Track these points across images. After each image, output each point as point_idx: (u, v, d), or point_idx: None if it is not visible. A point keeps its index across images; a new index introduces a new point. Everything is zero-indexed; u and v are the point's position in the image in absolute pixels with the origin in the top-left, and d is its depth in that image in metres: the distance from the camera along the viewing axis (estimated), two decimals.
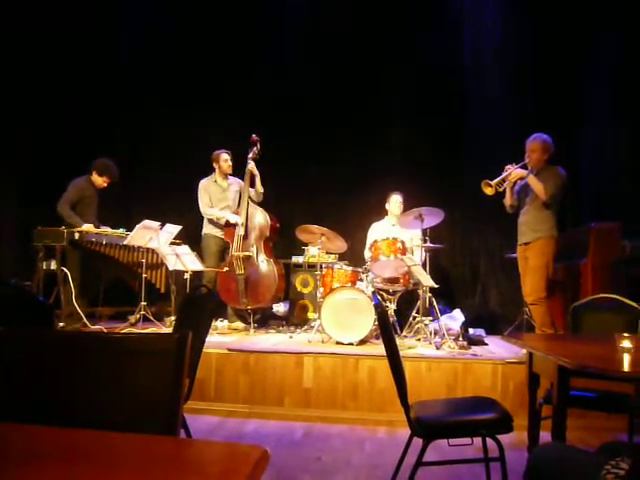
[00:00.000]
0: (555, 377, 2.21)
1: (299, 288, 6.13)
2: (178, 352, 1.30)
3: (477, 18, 6.71)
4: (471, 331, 5.34)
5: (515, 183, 4.62)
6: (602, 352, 2.25)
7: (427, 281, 4.80)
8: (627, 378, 2.23)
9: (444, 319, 5.18)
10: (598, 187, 6.15)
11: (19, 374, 1.34)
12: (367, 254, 5.55)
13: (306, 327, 5.46)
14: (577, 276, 5.01)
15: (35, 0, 6.54)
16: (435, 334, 4.89)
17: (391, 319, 4.99)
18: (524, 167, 4.49)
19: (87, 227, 5.40)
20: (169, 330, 4.96)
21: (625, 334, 2.11)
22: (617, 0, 6.13)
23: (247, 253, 5.52)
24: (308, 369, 4.23)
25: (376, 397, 4.11)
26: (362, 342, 4.78)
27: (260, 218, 5.65)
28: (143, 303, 5.28)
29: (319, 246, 5.49)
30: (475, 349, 4.58)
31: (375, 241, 5.26)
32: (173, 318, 5.42)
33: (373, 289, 5.24)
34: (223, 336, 5.19)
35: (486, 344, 4.88)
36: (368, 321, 4.72)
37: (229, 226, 5.64)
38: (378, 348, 4.38)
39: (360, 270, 5.33)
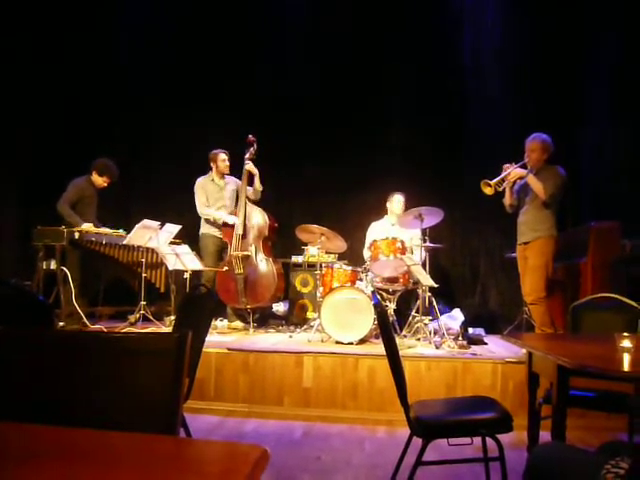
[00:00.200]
0: (555, 377, 2.21)
1: (299, 288, 6.14)
2: (178, 351, 1.30)
3: (477, 18, 6.71)
4: (471, 330, 5.34)
5: (515, 183, 4.62)
6: (602, 352, 2.25)
7: (427, 281, 4.80)
8: (627, 378, 2.23)
9: (444, 318, 5.18)
10: (598, 187, 6.16)
11: (19, 374, 1.34)
12: (366, 254, 5.55)
13: (306, 327, 5.46)
14: (577, 275, 5.01)
15: (35, 0, 6.54)
16: (435, 333, 4.90)
17: (391, 318, 5.00)
18: (523, 167, 4.49)
19: (87, 227, 5.40)
20: (169, 329, 4.96)
21: (625, 334, 2.11)
22: (617, 0, 6.13)
23: (246, 253, 5.52)
24: (308, 368, 4.23)
25: (376, 397, 4.11)
26: (362, 341, 4.78)
27: (258, 218, 5.65)
28: (143, 303, 5.28)
29: (319, 246, 5.49)
30: (475, 348, 4.58)
31: (374, 241, 5.26)
32: (173, 318, 5.41)
33: (373, 289, 5.24)
34: (223, 335, 5.19)
35: (486, 343, 4.89)
36: (368, 320, 4.72)
37: (227, 226, 5.64)
38: (378, 348, 4.37)
39: (360, 270, 5.34)
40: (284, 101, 6.67)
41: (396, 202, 5.77)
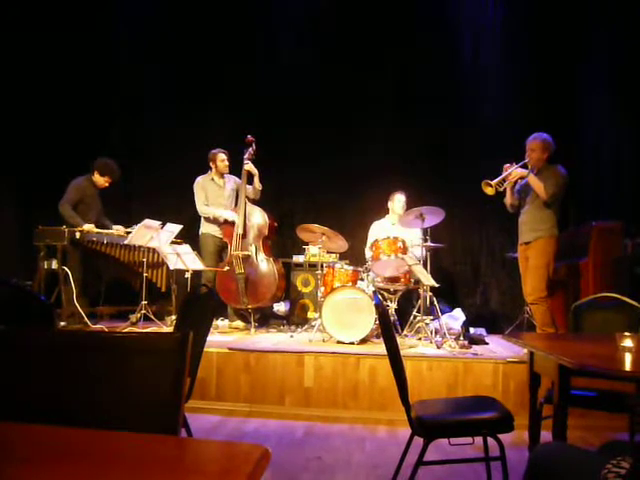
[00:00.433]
0: (556, 376, 2.21)
1: (300, 287, 6.14)
2: (179, 351, 1.30)
3: (477, 18, 6.71)
4: (472, 330, 5.35)
5: (516, 183, 4.61)
6: (603, 351, 2.24)
7: (428, 280, 4.80)
8: (628, 377, 2.23)
9: (445, 318, 5.18)
10: (599, 186, 6.16)
11: (20, 374, 1.34)
12: (368, 253, 5.55)
13: (307, 326, 5.46)
14: (578, 275, 5.00)
15: (35, 1, 6.55)
16: (436, 333, 4.89)
17: (392, 318, 4.99)
18: (524, 166, 4.48)
19: (88, 227, 5.41)
20: (170, 329, 4.96)
21: (626, 333, 2.11)
22: (617, 0, 6.13)
23: (246, 252, 5.52)
24: (309, 368, 4.23)
25: (377, 396, 4.11)
26: (363, 341, 4.78)
27: (258, 217, 5.65)
28: (144, 302, 5.28)
29: (320, 245, 5.49)
30: (476, 348, 4.58)
31: (376, 240, 5.26)
32: (174, 317, 5.42)
33: (374, 288, 5.24)
34: (224, 335, 5.20)
35: (487, 343, 4.88)
36: (369, 320, 4.72)
37: (227, 225, 5.64)
38: (379, 347, 4.38)
39: (361, 269, 5.33)
40: (284, 101, 6.67)
41: (397, 202, 5.77)
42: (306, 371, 4.23)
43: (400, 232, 5.50)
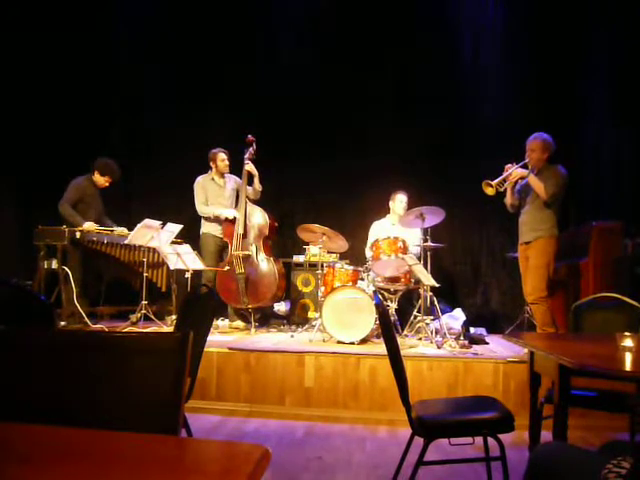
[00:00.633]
0: (556, 376, 2.21)
1: (300, 287, 6.14)
2: (179, 351, 1.30)
3: (477, 18, 6.71)
4: (472, 330, 5.35)
5: (516, 183, 4.60)
6: (603, 351, 2.24)
7: (428, 280, 4.80)
8: (628, 377, 2.23)
9: (445, 318, 5.18)
10: (599, 186, 6.16)
11: (21, 374, 1.34)
12: (368, 253, 5.55)
13: (307, 326, 5.46)
14: (578, 275, 5.00)
15: (35, 1, 6.55)
16: (436, 333, 4.89)
17: (392, 318, 4.99)
18: (524, 166, 4.48)
19: (88, 225, 5.41)
20: (170, 329, 4.96)
21: (626, 333, 2.11)
22: (617, 0, 6.13)
23: (246, 252, 5.52)
24: (309, 368, 4.23)
25: (377, 396, 4.11)
26: (363, 341, 4.78)
27: (259, 217, 5.65)
28: (144, 302, 5.28)
29: (320, 245, 5.49)
30: (476, 348, 4.58)
31: (376, 240, 5.26)
32: (174, 317, 5.42)
33: (374, 288, 5.24)
34: (224, 335, 5.20)
35: (487, 343, 4.88)
36: (369, 320, 4.72)
37: (227, 225, 5.64)
38: (379, 347, 4.38)
39: (361, 269, 5.33)
40: (284, 101, 6.67)
41: (399, 202, 5.76)
42: (306, 371, 4.23)
43: (400, 232, 5.50)
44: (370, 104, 6.67)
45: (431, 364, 4.16)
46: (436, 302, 5.04)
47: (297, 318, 6.03)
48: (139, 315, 5.30)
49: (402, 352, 2.36)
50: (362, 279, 5.34)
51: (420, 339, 4.87)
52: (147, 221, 5.24)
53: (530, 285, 4.42)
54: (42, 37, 6.56)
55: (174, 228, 5.45)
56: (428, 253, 5.21)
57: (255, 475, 0.85)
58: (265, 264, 5.55)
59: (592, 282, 4.81)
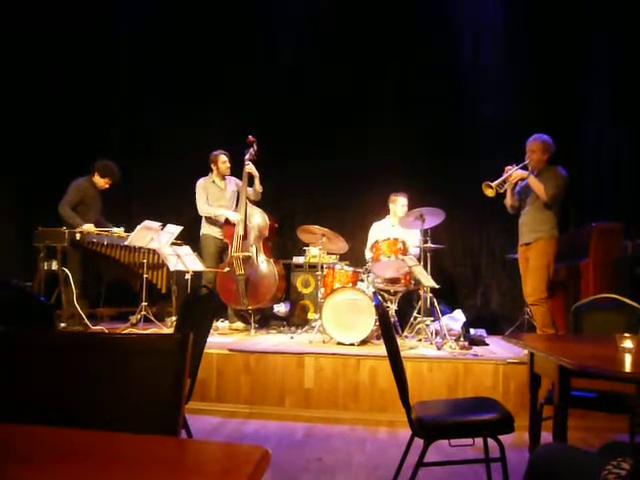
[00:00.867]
0: (556, 377, 2.21)
1: (300, 288, 6.13)
2: (179, 352, 1.30)
3: (477, 18, 6.71)
4: (472, 331, 5.35)
5: (516, 184, 4.60)
6: (603, 352, 2.24)
7: (428, 281, 4.80)
8: (628, 378, 2.23)
9: (445, 319, 5.18)
10: (599, 187, 6.16)
11: (21, 375, 1.34)
12: (368, 254, 5.55)
13: (307, 327, 5.46)
14: (578, 276, 5.00)
15: (35, 1, 6.55)
16: (436, 334, 4.89)
17: (392, 319, 4.99)
18: (524, 168, 4.48)
19: (88, 227, 5.40)
20: (170, 331, 4.97)
21: (626, 334, 2.11)
22: (617, 0, 6.14)
23: (247, 253, 5.52)
24: (309, 369, 4.23)
25: (377, 397, 4.11)
26: (363, 342, 4.78)
27: (259, 218, 5.65)
28: (144, 304, 5.28)
29: (320, 246, 5.49)
30: (476, 349, 4.58)
31: (376, 241, 5.26)
32: (174, 318, 5.42)
33: (374, 289, 5.24)
34: (224, 336, 5.20)
35: (487, 344, 4.88)
36: (369, 321, 4.72)
37: (228, 226, 5.64)
38: (379, 348, 4.38)
39: (361, 270, 5.33)
40: (284, 101, 6.67)
41: (400, 205, 5.74)
42: (306, 372, 4.23)
43: (400, 233, 5.49)
44: (370, 104, 6.68)
45: (431, 365, 4.16)
46: (436, 303, 5.04)
47: (297, 319, 6.03)
48: (139, 316, 5.30)
49: (402, 353, 2.36)
50: (362, 280, 5.33)
51: (420, 340, 4.87)
52: (147, 222, 5.24)
53: (530, 286, 4.42)
54: (42, 37, 6.56)
55: (174, 229, 5.45)
56: (428, 254, 5.21)
57: (255, 476, 0.85)
58: (265, 265, 5.55)
59: (592, 283, 4.80)
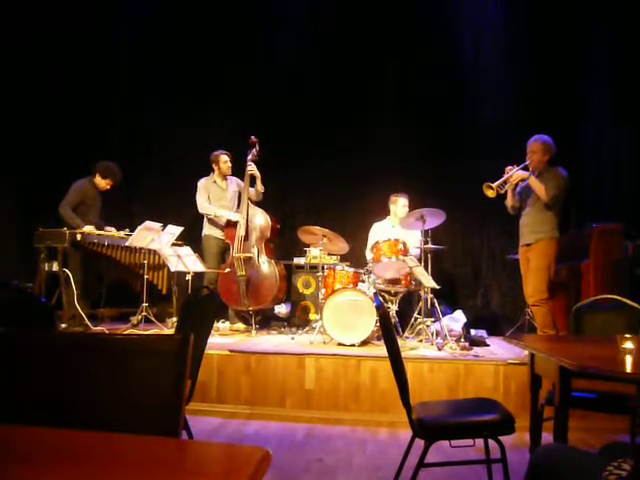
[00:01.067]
0: (557, 378, 2.21)
1: (301, 289, 6.13)
2: (180, 353, 1.30)
3: (477, 18, 6.72)
4: (473, 332, 5.34)
5: (517, 185, 4.60)
6: (604, 353, 2.24)
7: (429, 282, 4.80)
8: (629, 379, 2.23)
9: (446, 320, 5.18)
10: (599, 187, 6.15)
11: (21, 375, 1.34)
12: (369, 255, 5.55)
13: (308, 328, 5.45)
14: (579, 277, 5.00)
15: (35, 1, 6.56)
16: (437, 335, 4.89)
17: (393, 320, 4.99)
18: (525, 168, 4.47)
19: (89, 229, 5.40)
20: (171, 331, 4.96)
21: (627, 335, 2.11)
22: (617, 0, 6.14)
23: (248, 254, 5.52)
24: (310, 370, 4.22)
25: (378, 398, 4.11)
26: (364, 343, 4.78)
27: (260, 219, 5.65)
28: (145, 304, 5.28)
29: (321, 247, 5.49)
30: (477, 350, 4.57)
31: (377, 242, 5.26)
32: (175, 319, 5.42)
33: (375, 290, 5.23)
34: (225, 337, 5.20)
35: (488, 345, 4.88)
36: (370, 322, 4.72)
37: (229, 227, 5.64)
38: (380, 349, 4.38)
39: (362, 271, 5.33)
40: (284, 101, 6.68)
41: (401, 206, 5.74)
42: (307, 373, 4.22)
43: (400, 234, 5.49)
44: (370, 104, 6.67)
45: (432, 366, 4.15)
46: (437, 304, 5.04)
47: (298, 320, 6.02)
48: (140, 317, 5.31)
49: (403, 354, 2.36)
50: (363, 281, 5.33)
51: (421, 341, 4.87)
52: (148, 223, 5.24)
53: (531, 287, 4.42)
54: (42, 37, 6.56)
55: (175, 230, 5.45)
56: (429, 255, 5.21)
57: (255, 477, 0.85)
58: (266, 266, 5.55)
59: (593, 284, 4.80)
